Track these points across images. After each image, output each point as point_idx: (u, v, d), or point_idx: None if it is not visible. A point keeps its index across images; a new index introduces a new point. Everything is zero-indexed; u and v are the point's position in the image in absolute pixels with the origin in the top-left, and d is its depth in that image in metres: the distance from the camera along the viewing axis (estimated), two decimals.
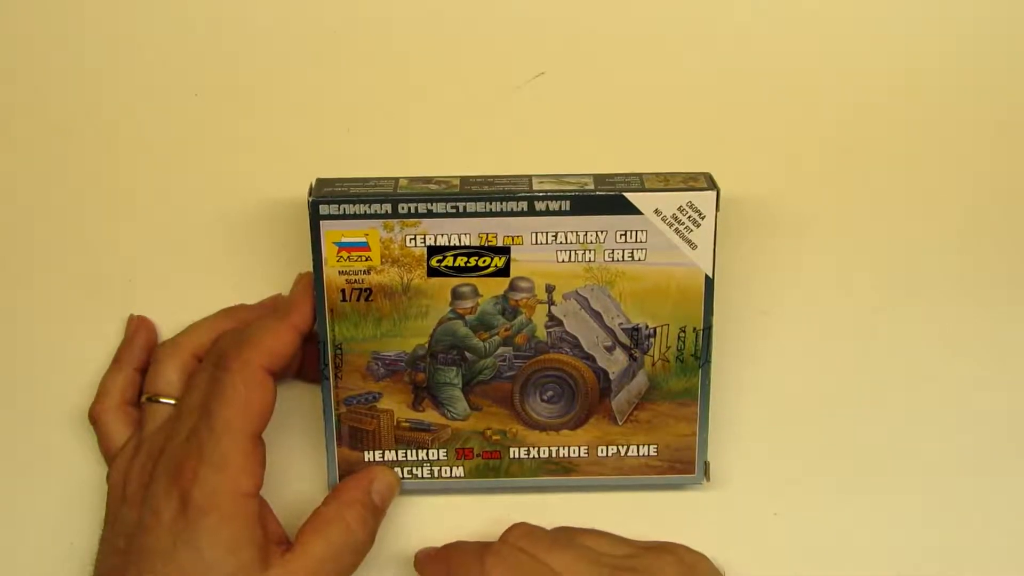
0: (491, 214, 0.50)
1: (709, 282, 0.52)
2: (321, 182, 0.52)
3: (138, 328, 0.55)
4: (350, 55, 0.54)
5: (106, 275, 0.56)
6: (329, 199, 0.50)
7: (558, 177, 0.52)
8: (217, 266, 0.56)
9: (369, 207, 0.50)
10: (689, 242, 0.51)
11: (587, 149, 0.55)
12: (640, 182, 0.51)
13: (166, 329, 0.56)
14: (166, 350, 0.53)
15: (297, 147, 0.55)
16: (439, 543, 0.55)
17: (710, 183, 0.51)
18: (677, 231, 0.51)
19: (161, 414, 0.52)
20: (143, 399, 0.53)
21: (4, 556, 0.57)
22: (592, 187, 0.51)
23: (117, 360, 0.55)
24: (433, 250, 0.51)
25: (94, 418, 0.54)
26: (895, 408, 0.57)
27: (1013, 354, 0.57)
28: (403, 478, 0.54)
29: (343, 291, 0.51)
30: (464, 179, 0.52)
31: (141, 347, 0.55)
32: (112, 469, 0.52)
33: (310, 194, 0.51)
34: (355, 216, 0.50)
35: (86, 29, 0.54)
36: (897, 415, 0.57)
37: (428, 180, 0.52)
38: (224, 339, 0.51)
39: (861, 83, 0.55)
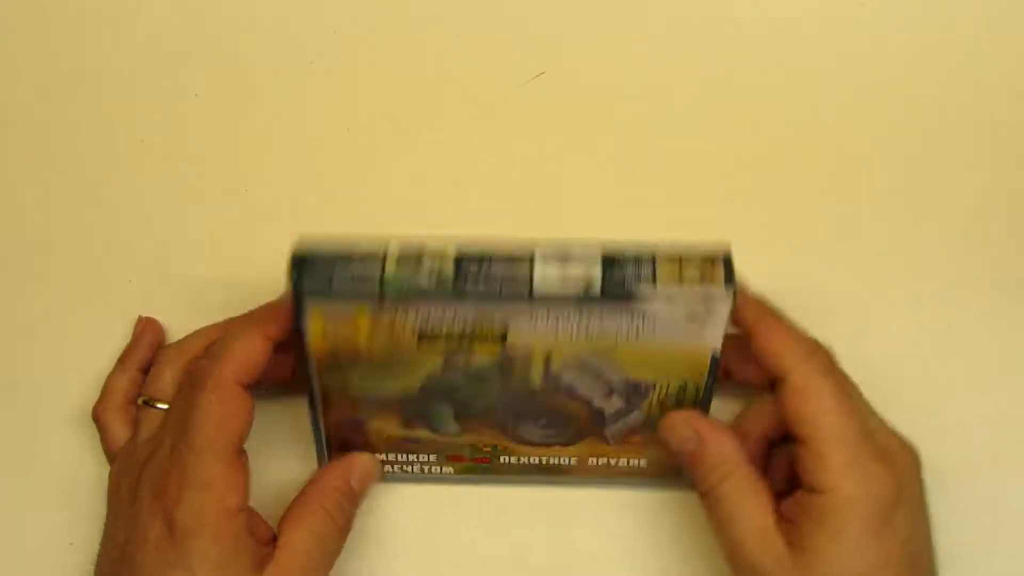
0: (488, 300, 0.46)
1: (715, 360, 0.48)
2: (302, 261, 0.46)
3: (144, 329, 0.55)
4: (350, 55, 0.54)
5: (106, 275, 0.56)
6: (312, 292, 0.46)
7: (563, 257, 0.46)
8: (217, 266, 0.56)
9: (356, 291, 0.46)
10: (700, 323, 0.47)
11: (587, 150, 0.55)
12: (651, 269, 0.45)
13: (166, 330, 0.56)
14: (167, 354, 0.53)
15: (297, 147, 0.55)
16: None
17: (727, 271, 0.46)
18: (687, 315, 0.47)
19: (155, 420, 0.52)
20: (139, 401, 0.53)
21: (4, 556, 0.57)
22: (599, 280, 0.45)
23: (122, 360, 0.55)
24: (425, 328, 0.47)
25: (97, 417, 0.54)
26: (895, 408, 0.57)
27: (1014, 354, 0.57)
28: (392, 473, 0.54)
29: (330, 353, 0.49)
30: (459, 259, 0.46)
31: (146, 348, 0.55)
32: (111, 470, 0.52)
33: (291, 273, 0.46)
34: (341, 297, 0.46)
35: (86, 29, 0.54)
36: (897, 416, 0.57)
37: (419, 256, 0.46)
38: (204, 354, 0.50)
39: (859, 82, 0.55)
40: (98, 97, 0.55)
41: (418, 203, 0.56)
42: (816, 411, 0.46)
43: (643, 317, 0.46)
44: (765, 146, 0.55)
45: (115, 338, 0.56)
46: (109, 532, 0.50)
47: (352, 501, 0.52)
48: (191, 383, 0.49)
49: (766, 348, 0.47)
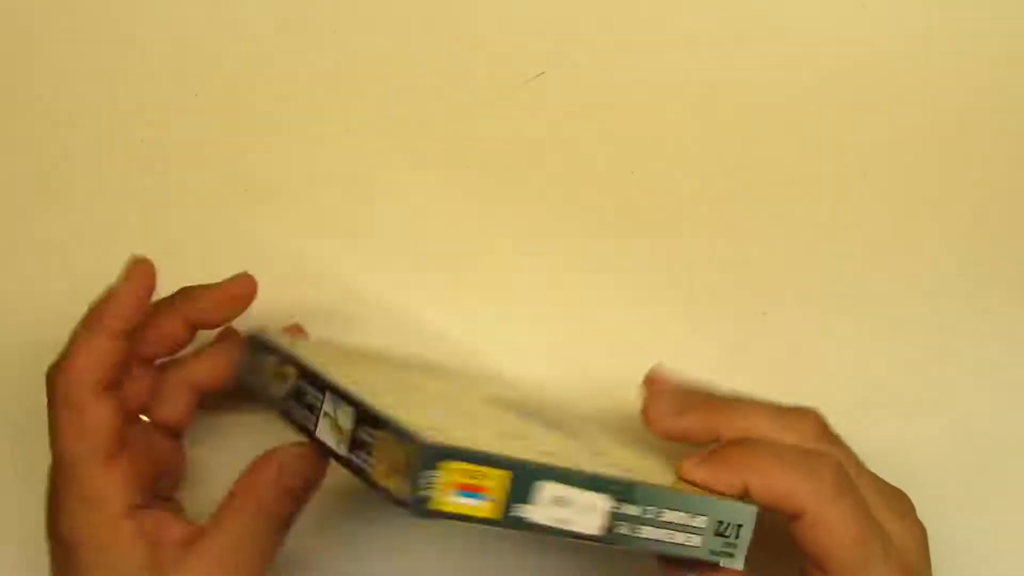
0: None
1: None
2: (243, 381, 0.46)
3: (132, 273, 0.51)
4: (350, 55, 0.55)
5: (106, 275, 0.56)
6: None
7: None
8: (217, 266, 0.56)
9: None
10: None
11: (587, 150, 0.55)
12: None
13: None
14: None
15: (297, 146, 0.55)
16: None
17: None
18: None
19: None
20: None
21: (4, 554, 0.57)
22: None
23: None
24: None
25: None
26: (895, 408, 0.57)
27: (1013, 354, 0.57)
28: None
29: None
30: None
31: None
32: None
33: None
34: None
35: (86, 29, 0.54)
36: (897, 415, 0.57)
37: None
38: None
39: (861, 83, 0.55)
40: (98, 97, 0.55)
41: (417, 203, 0.56)
42: (837, 545, 0.43)
43: None
44: (766, 146, 0.55)
45: None
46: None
47: (288, 495, 0.46)
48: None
49: (771, 491, 0.43)
